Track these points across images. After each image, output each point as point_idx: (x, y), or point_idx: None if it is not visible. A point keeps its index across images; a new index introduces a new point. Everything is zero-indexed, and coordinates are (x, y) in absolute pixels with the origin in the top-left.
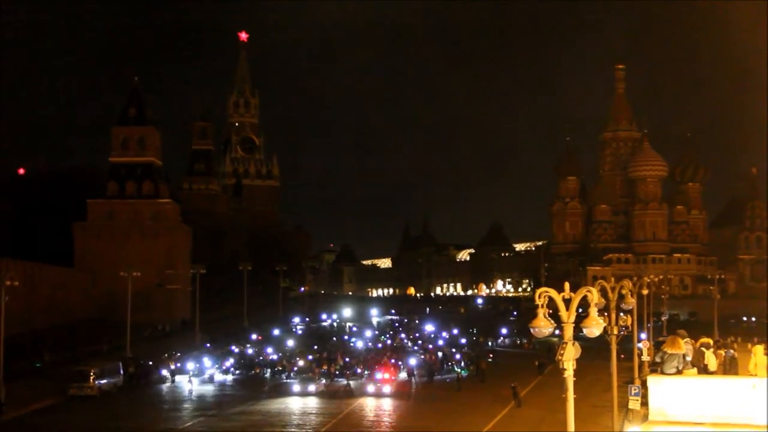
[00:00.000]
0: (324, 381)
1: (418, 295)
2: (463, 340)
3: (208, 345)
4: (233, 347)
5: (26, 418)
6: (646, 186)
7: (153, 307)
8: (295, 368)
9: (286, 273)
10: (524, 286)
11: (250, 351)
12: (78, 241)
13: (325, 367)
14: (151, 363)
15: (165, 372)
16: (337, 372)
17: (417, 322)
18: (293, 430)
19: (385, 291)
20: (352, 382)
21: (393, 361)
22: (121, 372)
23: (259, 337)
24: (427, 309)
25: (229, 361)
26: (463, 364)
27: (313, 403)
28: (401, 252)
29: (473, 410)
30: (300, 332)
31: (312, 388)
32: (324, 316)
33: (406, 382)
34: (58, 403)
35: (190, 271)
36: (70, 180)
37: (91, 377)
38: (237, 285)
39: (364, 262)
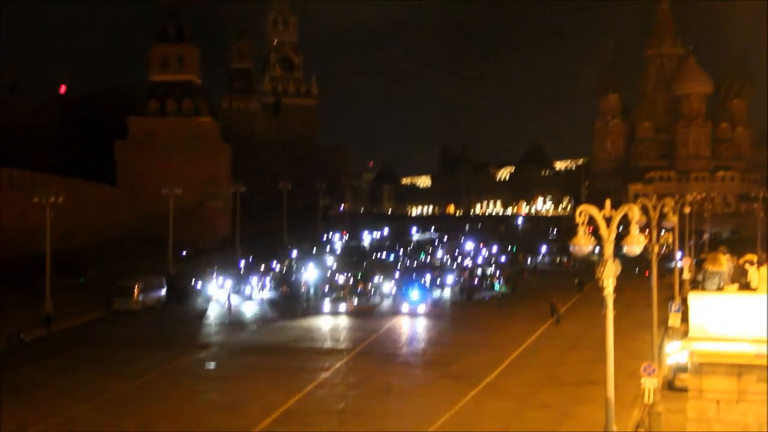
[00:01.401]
0: (358, 300)
1: (458, 213)
2: (503, 259)
3: (249, 261)
4: (273, 264)
5: (73, 330)
6: (690, 103)
7: (194, 225)
8: (330, 287)
9: (325, 191)
10: (564, 204)
11: (288, 269)
12: (120, 160)
13: (361, 286)
14: (193, 279)
15: (206, 288)
16: (372, 291)
17: (456, 240)
18: (330, 344)
19: (425, 209)
20: (386, 301)
21: (430, 277)
22: (164, 287)
23: (299, 255)
24: (467, 227)
25: (268, 279)
26: (502, 281)
27: (348, 321)
28: (441, 170)
29: (512, 326)
30: (339, 251)
31: (345, 307)
32: (363, 235)
33: (443, 301)
34: (103, 316)
35: (231, 189)
36: (110, 99)
37: (135, 292)
38: (277, 203)
39: (404, 181)
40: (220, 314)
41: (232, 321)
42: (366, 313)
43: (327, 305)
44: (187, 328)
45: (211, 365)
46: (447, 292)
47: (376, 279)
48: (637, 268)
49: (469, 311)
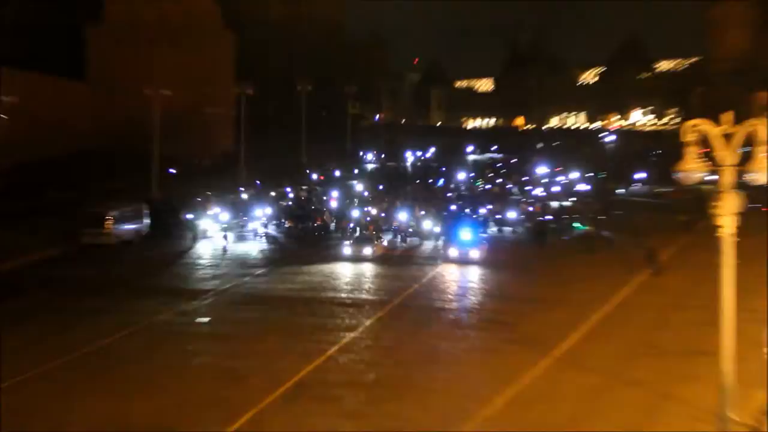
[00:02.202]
0: (390, 241)
1: (527, 127)
2: (586, 187)
3: (257, 186)
4: (288, 189)
5: (29, 269)
6: None
7: (187, 136)
8: (357, 223)
9: (356, 96)
10: (669, 117)
11: (307, 197)
12: (92, 50)
13: (395, 223)
14: (183, 207)
15: (199, 220)
16: (411, 229)
17: (526, 163)
18: (357, 295)
19: (485, 122)
20: (430, 243)
21: (488, 212)
22: (146, 217)
23: (321, 177)
24: (539, 146)
25: (280, 209)
26: (584, 218)
27: (382, 268)
28: (507, 71)
29: (596, 277)
30: (373, 173)
31: (369, 250)
32: (404, 154)
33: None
34: (67, 252)
35: (234, 91)
36: None
37: (109, 222)
38: (293, 110)
39: (458, 84)
40: (215, 254)
41: (231, 263)
42: (400, 259)
43: (347, 247)
44: (174, 270)
45: (205, 320)
46: (511, 232)
47: (417, 212)
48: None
49: (541, 257)
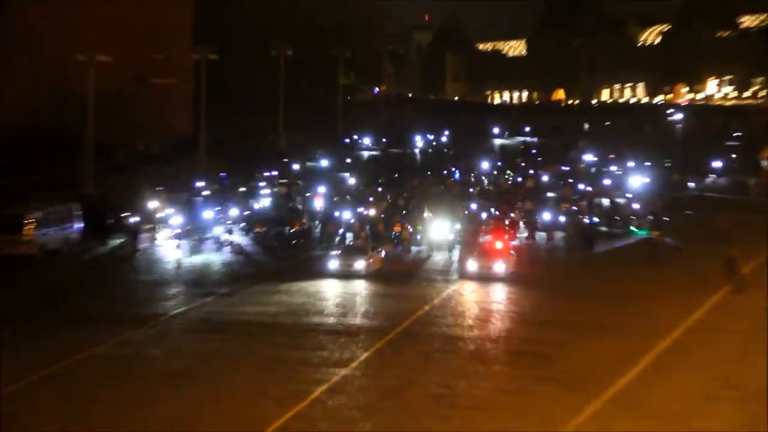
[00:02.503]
0: (386, 253)
1: (570, 103)
2: (647, 180)
3: (222, 179)
4: (261, 184)
5: None
6: None
7: (131, 116)
8: (346, 227)
9: (350, 63)
10: (755, 88)
11: (287, 193)
12: (8, 8)
13: (397, 228)
14: (126, 207)
15: (145, 223)
16: (418, 236)
17: (568, 148)
18: (351, 320)
19: (515, 95)
20: (442, 254)
21: (520, 213)
22: (78, 220)
23: (303, 169)
24: (585, 126)
25: (251, 210)
26: (645, 219)
27: (382, 285)
28: (543, 31)
29: (658, 296)
30: (370, 162)
31: (362, 264)
32: (412, 137)
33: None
34: None
35: (192, 57)
36: None
37: (29, 227)
38: (269, 82)
39: (481, 47)
40: (167, 267)
41: (188, 279)
42: (404, 275)
43: (334, 260)
44: (114, 288)
45: (154, 352)
46: (546, 239)
47: (426, 213)
48: None
49: (587, 271)
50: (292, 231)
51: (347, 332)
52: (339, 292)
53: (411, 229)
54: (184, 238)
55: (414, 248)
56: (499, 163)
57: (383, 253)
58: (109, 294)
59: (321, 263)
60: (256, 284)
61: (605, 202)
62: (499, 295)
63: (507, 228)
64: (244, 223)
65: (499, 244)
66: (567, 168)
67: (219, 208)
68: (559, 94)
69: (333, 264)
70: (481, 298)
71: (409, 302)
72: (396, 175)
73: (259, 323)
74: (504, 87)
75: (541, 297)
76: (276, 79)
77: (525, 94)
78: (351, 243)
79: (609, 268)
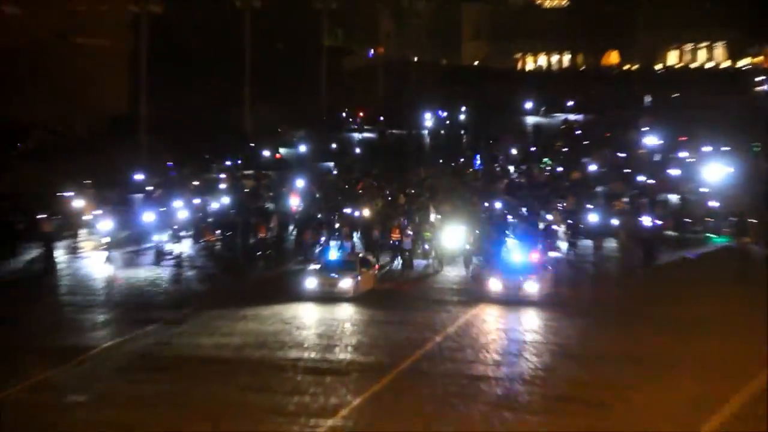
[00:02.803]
0: (383, 267)
1: (626, 68)
2: (729, 170)
3: (168, 169)
4: (221, 176)
5: None
6: None
7: (48, 87)
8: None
9: (337, 18)
10: None
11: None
12: None
13: (396, 234)
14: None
15: (67, 230)
16: (425, 246)
17: (623, 130)
18: (341, 355)
19: (554, 59)
20: (453, 269)
21: (557, 216)
22: None
23: (277, 156)
24: (647, 99)
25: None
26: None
27: (380, 309)
28: None
29: (746, 327)
30: (364, 147)
31: (349, 283)
32: (419, 116)
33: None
34: None
35: (128, 8)
36: None
37: None
38: (231, 42)
39: None
40: (96, 286)
41: (124, 302)
42: (407, 296)
43: (313, 278)
44: (26, 313)
45: (79, 398)
46: (593, 248)
47: (435, 215)
48: None
49: (649, 291)
50: (256, 241)
51: (334, 370)
52: (323, 319)
53: (413, 236)
54: (116, 248)
55: (418, 262)
56: (533, 149)
57: (377, 268)
58: (21, 322)
59: (295, 282)
60: (215, 308)
61: (672, 198)
62: (533, 322)
63: (542, 234)
64: (196, 229)
65: (531, 256)
66: (622, 155)
67: (164, 208)
68: (612, 58)
69: (311, 283)
70: (509, 325)
71: (415, 331)
72: (398, 165)
73: (219, 359)
74: (539, 49)
75: (588, 325)
76: (240, 39)
77: (567, 58)
78: (336, 254)
79: (678, 287)
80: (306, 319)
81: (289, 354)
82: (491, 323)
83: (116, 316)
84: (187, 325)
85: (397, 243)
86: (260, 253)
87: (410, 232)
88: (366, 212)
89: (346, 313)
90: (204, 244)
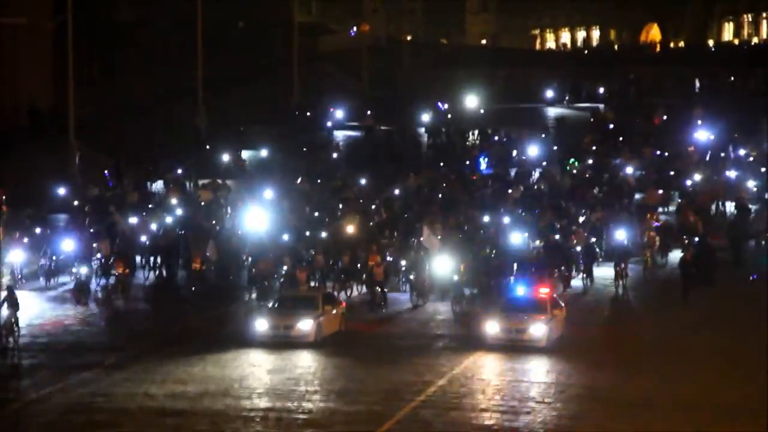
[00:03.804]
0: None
1: (671, 45)
2: None
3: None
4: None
5: None
6: None
7: None
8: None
9: None
10: None
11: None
12: None
13: (373, 260)
14: None
15: None
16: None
17: (667, 120)
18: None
19: (580, 35)
20: (445, 304)
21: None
22: None
23: (240, 163)
24: (697, 84)
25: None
26: None
27: (339, 361)
28: None
29: None
30: (346, 148)
31: (308, 325)
32: (416, 107)
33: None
34: None
35: None
36: None
37: None
38: (181, 21)
39: None
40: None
41: (40, 346)
42: (385, 342)
43: (264, 320)
44: None
45: None
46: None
47: (425, 236)
48: None
49: (701, 324)
50: (192, 273)
51: (317, 424)
52: (288, 368)
53: (390, 263)
54: (28, 280)
55: (396, 296)
56: (555, 147)
57: (344, 306)
58: None
59: (243, 323)
60: (151, 354)
61: (729, 206)
62: (539, 373)
63: (559, 260)
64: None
65: (539, 291)
66: (662, 153)
67: (94, 230)
68: (653, 34)
69: (261, 325)
70: (513, 377)
71: (402, 384)
72: (388, 170)
73: (173, 411)
74: (561, 23)
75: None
76: (192, 16)
77: (596, 35)
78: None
79: (739, 320)
80: (275, 362)
81: (259, 403)
82: (493, 370)
83: (34, 362)
84: (122, 373)
85: (368, 273)
86: (193, 289)
87: (389, 258)
88: (351, 229)
89: (311, 362)
90: (114, 279)
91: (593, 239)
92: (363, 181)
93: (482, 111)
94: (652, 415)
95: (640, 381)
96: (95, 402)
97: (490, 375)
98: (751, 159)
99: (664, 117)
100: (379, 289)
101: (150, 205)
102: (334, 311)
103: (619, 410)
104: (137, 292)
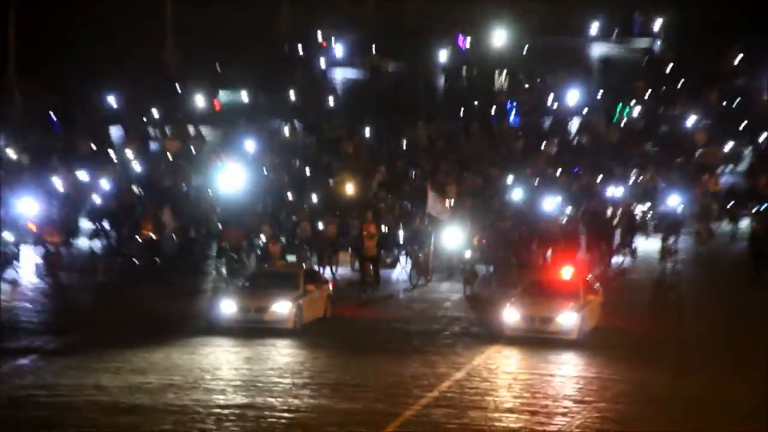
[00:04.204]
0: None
1: None
2: None
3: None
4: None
5: None
6: None
7: None
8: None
9: None
10: None
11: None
12: None
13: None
14: None
15: None
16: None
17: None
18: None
19: None
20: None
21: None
22: None
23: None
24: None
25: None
26: None
27: (324, 353)
28: None
29: None
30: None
31: (283, 308)
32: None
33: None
34: None
35: None
36: None
37: None
38: None
39: None
40: None
41: None
42: (379, 328)
43: (231, 303)
44: None
45: None
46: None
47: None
48: None
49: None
50: (141, 243)
51: (306, 424)
52: (278, 351)
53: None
54: None
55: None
56: (601, 92)
57: (331, 286)
58: None
59: (207, 306)
60: (118, 330)
61: None
62: (570, 373)
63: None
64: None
65: (571, 272)
66: (734, 101)
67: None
68: None
69: (228, 307)
70: (541, 380)
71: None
72: (395, 119)
73: (130, 406)
74: None
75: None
76: None
77: None
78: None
79: None
80: (260, 351)
81: (234, 399)
82: (513, 367)
83: None
84: (78, 355)
85: (358, 244)
86: (146, 261)
87: (384, 228)
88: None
89: (300, 350)
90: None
91: (640, 207)
92: (366, 133)
93: (513, 48)
94: (717, 415)
95: (701, 378)
96: (33, 395)
97: (516, 368)
98: None
99: (740, 56)
100: (371, 266)
101: (105, 158)
102: (319, 292)
103: (679, 412)
104: (87, 264)
